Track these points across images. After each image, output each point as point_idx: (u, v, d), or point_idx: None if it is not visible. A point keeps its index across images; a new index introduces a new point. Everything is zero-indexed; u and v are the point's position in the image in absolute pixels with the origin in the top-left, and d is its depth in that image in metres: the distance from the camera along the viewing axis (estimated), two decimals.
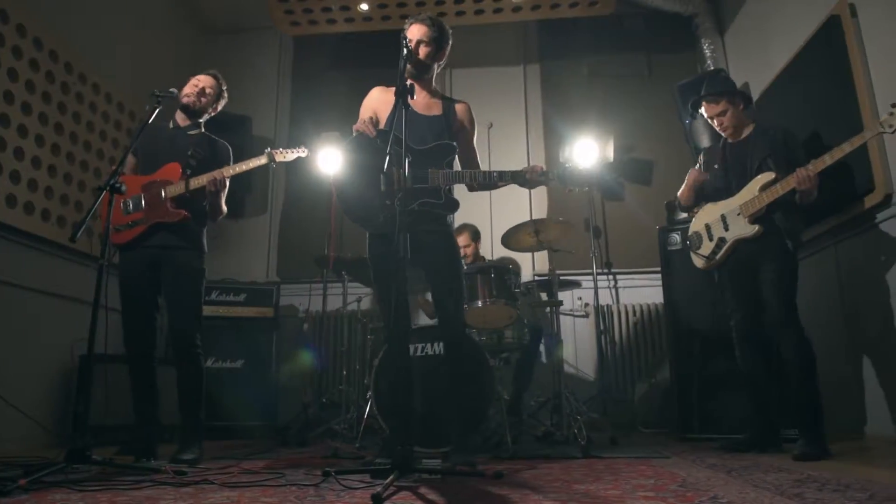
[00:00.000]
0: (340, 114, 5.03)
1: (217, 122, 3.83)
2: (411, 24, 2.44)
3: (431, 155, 2.38)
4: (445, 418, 2.55)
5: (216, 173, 2.63)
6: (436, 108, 2.51)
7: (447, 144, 2.40)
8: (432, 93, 2.55)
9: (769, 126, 2.82)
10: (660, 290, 3.74)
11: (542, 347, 3.76)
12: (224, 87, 2.86)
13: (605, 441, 3.13)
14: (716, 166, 2.88)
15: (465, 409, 2.47)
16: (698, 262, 2.90)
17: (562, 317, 4.55)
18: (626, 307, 4.55)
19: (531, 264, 4.75)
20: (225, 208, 2.83)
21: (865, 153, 2.95)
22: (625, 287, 4.67)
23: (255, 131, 4.86)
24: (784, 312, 2.57)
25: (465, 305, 2.97)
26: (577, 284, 4.16)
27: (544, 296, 3.71)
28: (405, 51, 2.23)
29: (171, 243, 2.63)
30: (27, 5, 3.28)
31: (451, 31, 2.51)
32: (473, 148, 2.58)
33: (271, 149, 2.79)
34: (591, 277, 4.42)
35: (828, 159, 2.44)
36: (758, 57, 4.18)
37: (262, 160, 2.75)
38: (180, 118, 2.79)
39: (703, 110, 2.89)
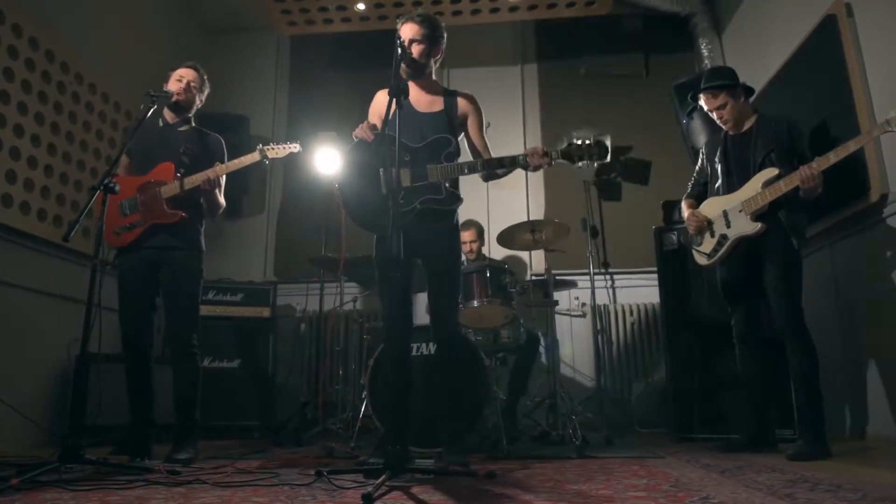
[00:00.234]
0: (338, 114, 5.03)
1: (215, 122, 3.86)
2: (403, 23, 2.43)
3: (428, 151, 2.37)
4: (440, 418, 2.55)
5: (209, 172, 2.62)
6: (437, 105, 2.50)
7: (443, 139, 2.39)
8: (433, 89, 2.53)
9: (773, 117, 2.74)
10: (657, 290, 3.73)
11: (541, 349, 3.75)
12: (205, 77, 2.85)
13: (601, 441, 3.13)
14: (716, 159, 2.82)
15: (459, 409, 2.46)
16: (700, 260, 2.84)
17: (559, 317, 4.56)
18: (623, 307, 4.55)
19: (528, 264, 4.75)
20: (223, 202, 2.82)
21: (861, 153, 2.95)
22: (622, 287, 4.67)
23: (252, 131, 4.86)
24: (787, 314, 2.52)
25: (461, 305, 2.97)
26: (573, 284, 4.16)
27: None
28: (399, 50, 2.23)
29: (170, 244, 2.63)
30: (23, 5, 3.28)
31: (444, 26, 2.49)
32: (482, 137, 2.53)
33: (263, 145, 2.78)
34: (588, 277, 4.42)
35: (832, 157, 2.39)
36: (755, 57, 4.18)
37: (255, 157, 2.74)
38: (169, 116, 2.78)
39: (702, 102, 2.83)
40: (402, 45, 2.26)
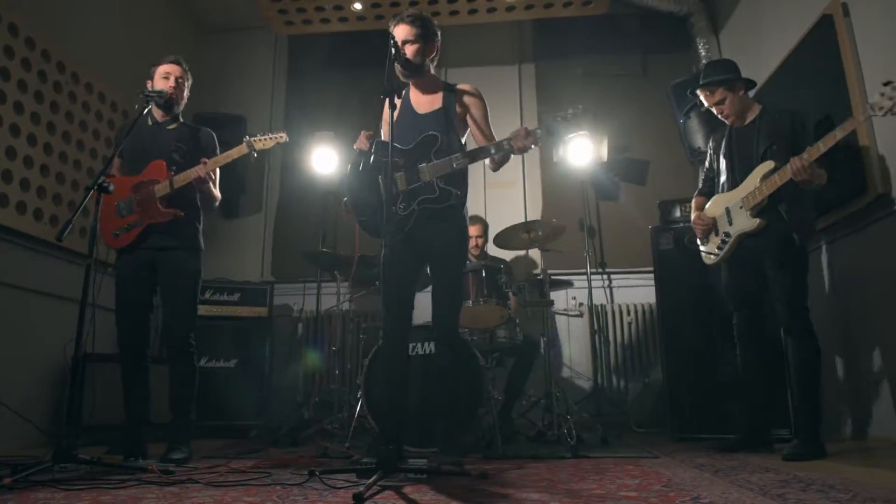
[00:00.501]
0: (335, 113, 5.04)
1: (211, 122, 3.86)
2: (395, 24, 2.42)
3: (418, 152, 2.38)
4: (435, 418, 2.55)
5: (197, 170, 2.60)
6: (436, 102, 2.49)
7: (429, 137, 2.39)
8: (433, 88, 2.53)
9: (777, 110, 2.68)
10: (654, 290, 3.73)
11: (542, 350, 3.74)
12: (188, 69, 2.81)
13: (597, 441, 3.13)
14: (721, 154, 2.78)
15: (454, 409, 2.46)
16: (707, 259, 2.81)
17: (556, 317, 4.56)
18: (620, 307, 4.55)
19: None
20: (219, 195, 2.81)
21: (858, 152, 2.96)
22: (619, 287, 4.67)
23: (249, 131, 4.83)
24: (790, 312, 2.50)
25: None
26: (569, 284, 4.16)
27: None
28: (393, 51, 2.23)
29: (168, 244, 2.63)
30: (19, 5, 3.28)
31: (436, 24, 2.49)
32: (487, 126, 2.49)
33: (250, 136, 2.75)
34: (585, 277, 4.42)
35: (822, 147, 2.35)
36: (752, 56, 4.17)
37: (243, 149, 2.70)
38: (158, 114, 2.76)
39: (702, 99, 2.79)
40: (395, 46, 2.27)
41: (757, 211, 2.57)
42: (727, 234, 2.69)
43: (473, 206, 4.46)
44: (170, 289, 2.64)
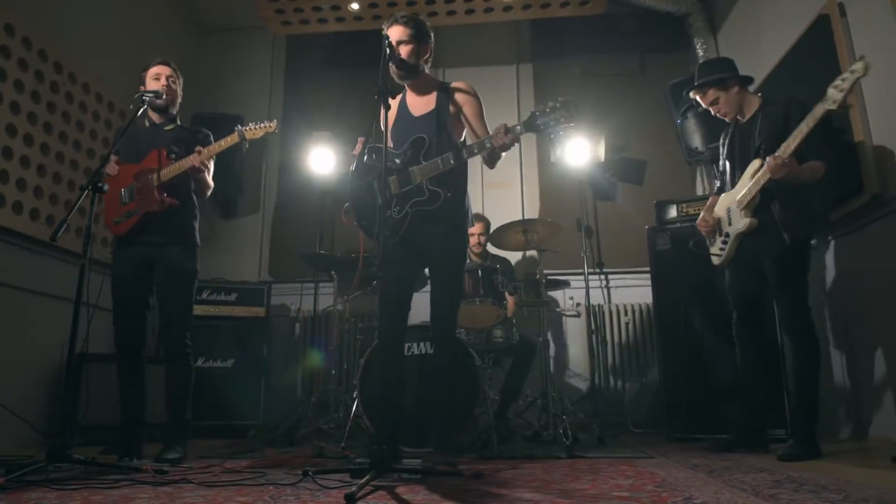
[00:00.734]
0: (333, 113, 5.05)
1: (209, 122, 3.86)
2: (389, 25, 2.43)
3: (409, 155, 2.40)
4: (430, 418, 2.55)
5: (191, 159, 2.59)
6: (430, 104, 2.50)
7: (418, 139, 2.39)
8: (427, 89, 2.53)
9: (775, 101, 2.63)
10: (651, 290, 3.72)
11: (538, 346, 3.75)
12: (177, 69, 2.82)
13: (593, 441, 3.13)
14: (726, 152, 2.76)
15: (450, 409, 2.46)
16: (714, 260, 2.80)
17: (553, 317, 4.56)
18: (617, 307, 4.55)
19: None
20: (212, 183, 2.82)
21: (854, 153, 2.96)
22: (617, 287, 4.66)
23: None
24: (789, 312, 2.49)
25: None
26: (566, 284, 4.16)
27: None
28: (387, 51, 2.24)
29: (164, 240, 2.63)
30: (16, 4, 3.28)
31: (429, 24, 2.50)
32: (482, 124, 2.48)
33: (241, 126, 2.73)
34: (582, 277, 4.42)
35: (791, 143, 2.35)
36: (750, 56, 4.17)
37: (234, 138, 2.68)
38: (155, 116, 2.78)
39: (698, 99, 2.79)
40: (389, 46, 2.27)
41: (751, 210, 2.56)
42: (727, 235, 2.69)
43: (472, 206, 4.47)
44: (166, 289, 2.64)
